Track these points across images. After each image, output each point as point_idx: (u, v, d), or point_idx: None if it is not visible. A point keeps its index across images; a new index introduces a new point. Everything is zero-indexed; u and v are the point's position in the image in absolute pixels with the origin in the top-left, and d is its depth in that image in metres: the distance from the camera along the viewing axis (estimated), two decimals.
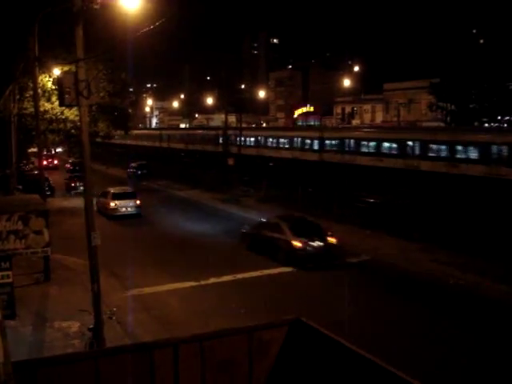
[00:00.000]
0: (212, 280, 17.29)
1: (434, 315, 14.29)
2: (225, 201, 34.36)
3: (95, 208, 23.05)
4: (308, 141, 45.53)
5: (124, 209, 28.35)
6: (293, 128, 71.56)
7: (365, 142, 39.50)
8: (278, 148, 49.95)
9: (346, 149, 40.65)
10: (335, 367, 7.29)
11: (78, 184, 37.12)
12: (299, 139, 46.86)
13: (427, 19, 64.23)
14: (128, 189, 31.01)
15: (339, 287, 16.33)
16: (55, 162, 62.35)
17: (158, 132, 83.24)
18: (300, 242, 18.77)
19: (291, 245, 18.78)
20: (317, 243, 18.98)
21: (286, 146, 48.46)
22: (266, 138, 52.55)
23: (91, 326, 11.32)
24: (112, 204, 28.15)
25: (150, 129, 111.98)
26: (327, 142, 43.28)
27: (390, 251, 20.62)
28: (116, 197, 28.56)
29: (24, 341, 11.92)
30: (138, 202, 29.03)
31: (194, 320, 13.74)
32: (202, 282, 17.08)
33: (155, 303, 15.33)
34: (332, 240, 19.44)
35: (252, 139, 54.71)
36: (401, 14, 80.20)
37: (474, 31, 50.59)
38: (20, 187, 29.47)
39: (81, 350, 11.15)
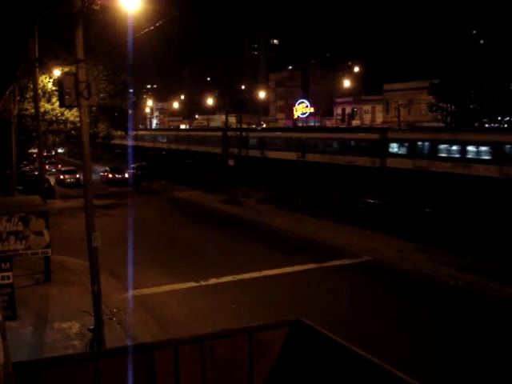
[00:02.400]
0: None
1: (434, 316, 14.27)
2: None
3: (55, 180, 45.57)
4: None
5: (68, 180, 45.87)
6: None
7: None
8: None
9: None
10: (336, 368, 7.28)
11: (49, 167, 55.18)
12: None
13: (427, 20, 64.24)
14: (72, 168, 49.29)
15: (340, 288, 16.38)
16: (34, 156, 71.95)
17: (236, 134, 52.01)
18: (112, 175, 45.52)
19: (109, 176, 45.44)
20: (119, 176, 45.46)
21: None
22: None
23: (91, 327, 11.31)
24: (61, 177, 46.72)
25: (209, 129, 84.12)
26: None
27: (390, 252, 20.62)
28: (64, 172, 47.41)
29: (24, 342, 11.92)
30: (77, 176, 44.53)
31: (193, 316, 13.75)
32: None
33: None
34: (125, 176, 45.50)
35: None
36: (401, 14, 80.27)
37: (474, 32, 50.50)
38: (20, 188, 29.52)
39: (81, 350, 11.15)
